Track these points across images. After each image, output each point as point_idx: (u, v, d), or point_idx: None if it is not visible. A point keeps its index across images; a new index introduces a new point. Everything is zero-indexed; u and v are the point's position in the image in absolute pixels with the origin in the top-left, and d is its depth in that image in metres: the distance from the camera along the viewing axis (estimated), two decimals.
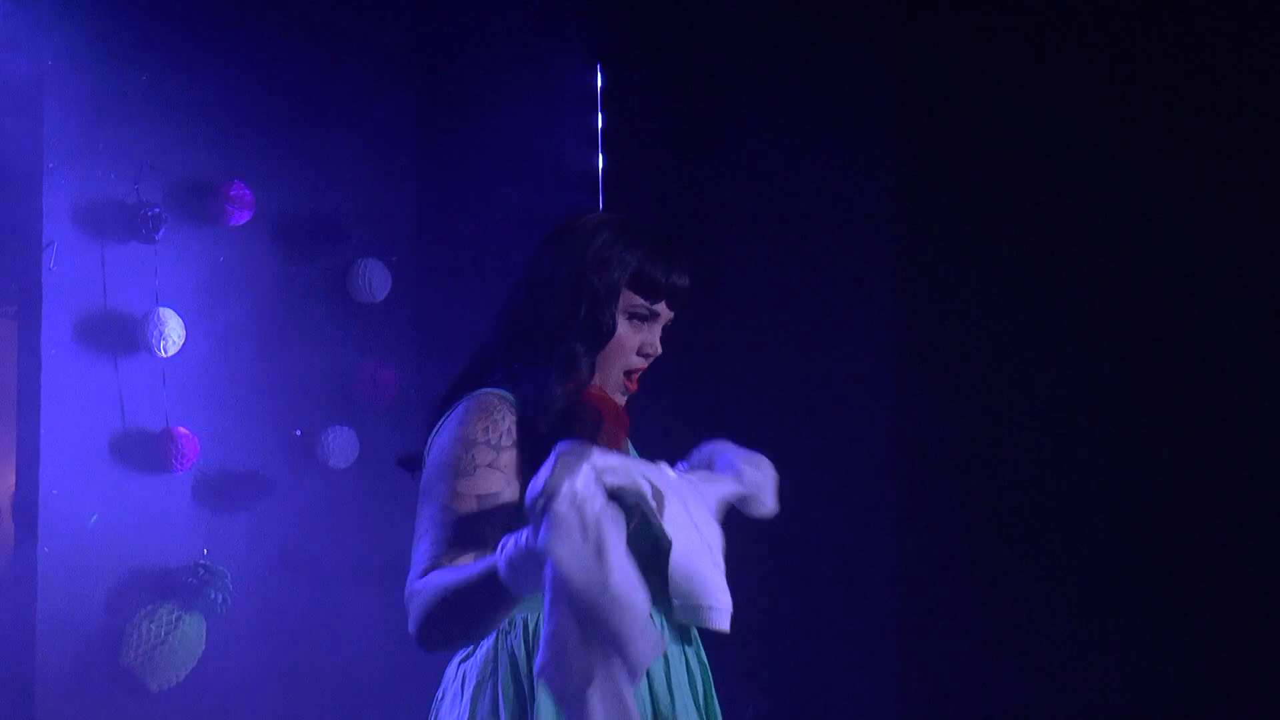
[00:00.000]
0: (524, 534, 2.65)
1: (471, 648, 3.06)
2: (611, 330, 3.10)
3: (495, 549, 2.80)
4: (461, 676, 3.11)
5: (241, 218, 5.55)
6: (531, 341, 3.11)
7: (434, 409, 3.17)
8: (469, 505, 2.95)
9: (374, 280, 5.71)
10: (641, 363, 3.17)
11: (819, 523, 5.71)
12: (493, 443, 2.99)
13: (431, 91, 5.96)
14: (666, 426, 6.00)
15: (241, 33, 5.65)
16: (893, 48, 5.65)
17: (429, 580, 2.85)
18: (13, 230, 5.41)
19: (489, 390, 3.06)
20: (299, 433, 5.70)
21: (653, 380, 5.91)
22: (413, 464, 3.18)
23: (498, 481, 2.96)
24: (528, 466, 3.00)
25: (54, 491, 5.34)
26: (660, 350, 3.17)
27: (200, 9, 5.58)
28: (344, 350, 5.76)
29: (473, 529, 2.94)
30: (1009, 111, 5.43)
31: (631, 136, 6.06)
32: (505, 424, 3.01)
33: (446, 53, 5.95)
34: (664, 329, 3.19)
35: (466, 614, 2.82)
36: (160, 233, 5.44)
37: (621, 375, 3.16)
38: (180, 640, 5.36)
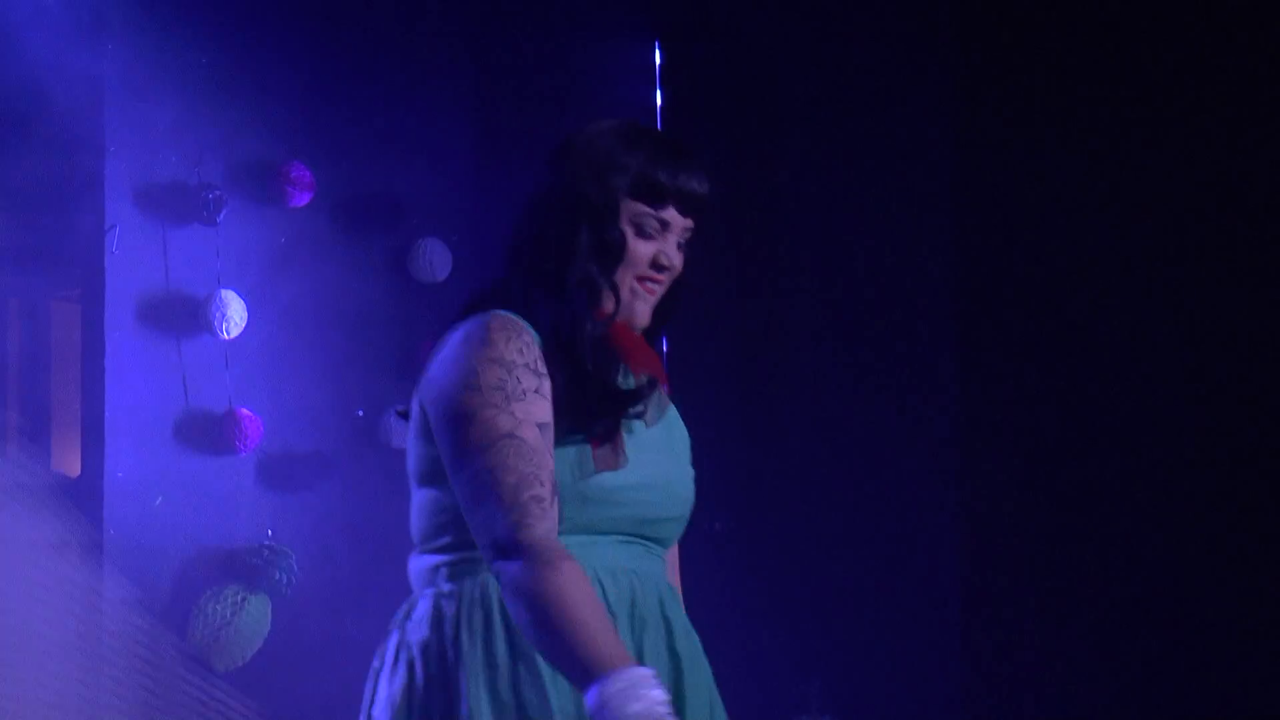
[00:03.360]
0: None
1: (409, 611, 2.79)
2: (621, 245, 2.78)
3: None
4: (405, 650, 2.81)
5: (302, 199, 5.57)
6: (542, 270, 2.79)
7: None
8: (535, 436, 2.64)
9: (435, 260, 5.72)
10: (654, 273, 2.82)
11: (880, 513, 5.74)
12: (532, 366, 2.69)
13: (489, 69, 5.98)
14: (724, 406, 6.04)
15: (300, 14, 5.67)
16: (951, 20, 5.65)
17: (575, 593, 2.56)
18: (75, 214, 5.43)
19: (503, 312, 2.75)
20: (361, 413, 5.73)
21: (710, 358, 5.93)
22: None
23: (548, 411, 2.68)
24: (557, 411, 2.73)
25: (119, 474, 5.37)
26: (679, 265, 2.83)
27: (256, 1, 5.63)
28: (405, 330, 5.76)
29: (550, 469, 2.65)
30: (1069, 81, 5.40)
31: (690, 113, 6.04)
32: (534, 350, 2.71)
33: (504, 28, 5.98)
34: (687, 243, 2.86)
35: (560, 653, 2.57)
36: (221, 215, 5.46)
37: (636, 284, 2.81)
38: (246, 621, 5.38)
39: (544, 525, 2.59)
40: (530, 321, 2.73)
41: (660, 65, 6.09)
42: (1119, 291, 5.32)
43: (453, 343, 2.72)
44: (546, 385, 2.67)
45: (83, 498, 5.35)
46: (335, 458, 5.63)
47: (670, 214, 2.78)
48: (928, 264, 5.68)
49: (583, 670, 2.51)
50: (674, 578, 2.95)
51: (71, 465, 5.66)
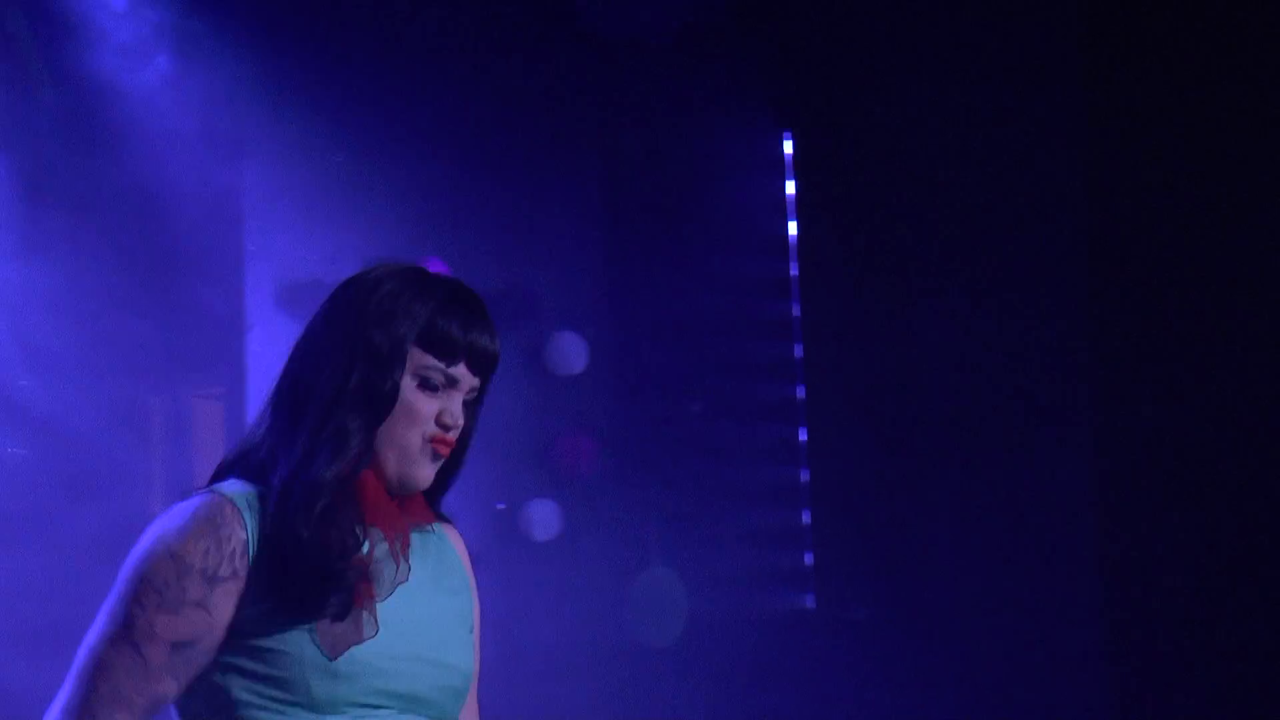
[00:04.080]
0: None
1: None
2: (393, 398, 2.54)
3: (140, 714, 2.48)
4: None
5: None
6: (299, 416, 2.56)
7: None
8: (159, 654, 2.48)
9: (570, 352, 5.73)
10: (442, 432, 2.58)
11: (1017, 521, 5.71)
12: (209, 572, 2.48)
13: (621, 161, 6.01)
14: (867, 496, 6.03)
15: (431, 112, 5.71)
16: (1083, 113, 5.64)
17: None
18: (217, 314, 5.49)
19: (226, 491, 2.53)
20: (501, 506, 5.73)
21: (853, 448, 5.92)
22: None
23: (200, 626, 2.49)
24: (264, 578, 2.51)
25: None
26: (462, 423, 2.59)
27: (391, 93, 5.66)
28: (543, 424, 5.77)
29: (155, 687, 2.49)
30: (1201, 139, 5.38)
31: (822, 202, 6.04)
32: (230, 546, 2.50)
33: (634, 122, 6.01)
34: (474, 404, 2.63)
35: None
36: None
37: (422, 443, 2.58)
38: None
39: None
40: (261, 486, 2.53)
41: (791, 155, 6.10)
42: (1266, 296, 5.30)
43: (163, 514, 2.54)
44: (217, 594, 2.48)
45: None
46: (477, 551, 5.58)
47: (460, 370, 2.57)
48: (1066, 355, 5.67)
49: None
50: None
51: None
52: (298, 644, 2.47)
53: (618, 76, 5.97)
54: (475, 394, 2.58)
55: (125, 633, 2.47)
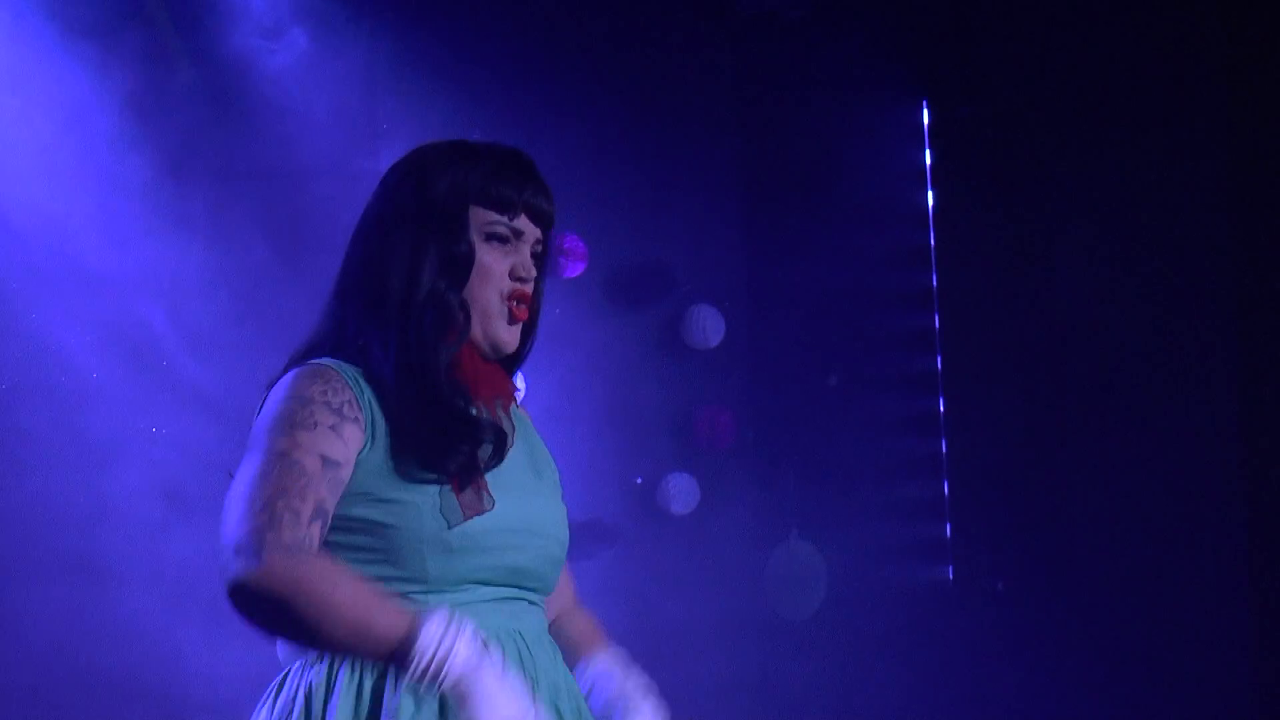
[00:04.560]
0: (446, 674, 2.29)
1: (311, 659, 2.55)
2: (470, 257, 2.57)
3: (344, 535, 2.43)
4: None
5: (576, 270, 5.66)
6: (381, 298, 2.57)
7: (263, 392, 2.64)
8: (313, 462, 2.44)
9: (708, 326, 5.75)
10: (519, 286, 2.62)
11: (1160, 493, 5.64)
12: (333, 406, 2.48)
13: (757, 134, 6.01)
14: (1005, 467, 6.00)
15: (569, 92, 5.75)
16: (1223, 76, 5.57)
17: (319, 575, 2.36)
18: None
19: (325, 361, 2.54)
20: (640, 480, 5.75)
21: (991, 419, 5.90)
22: None
23: (340, 449, 2.47)
24: (386, 452, 2.51)
25: None
26: (534, 273, 2.64)
27: (527, 73, 5.70)
28: (680, 397, 5.80)
29: (319, 494, 2.44)
30: None
31: (960, 171, 6.02)
32: (344, 394, 2.50)
33: (770, 92, 6.01)
34: (539, 263, 2.67)
35: (333, 642, 2.38)
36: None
37: (499, 302, 2.60)
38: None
39: (292, 533, 2.38)
40: (364, 367, 2.54)
41: (929, 124, 6.08)
42: None
43: (265, 399, 2.55)
44: (348, 429, 2.48)
45: None
46: (616, 525, 5.65)
47: (522, 221, 2.62)
48: (1208, 320, 5.60)
49: (373, 639, 2.34)
50: (572, 609, 2.84)
51: None
52: (416, 518, 2.47)
53: (754, 50, 5.96)
54: (541, 247, 2.64)
55: (270, 454, 2.43)
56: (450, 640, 2.32)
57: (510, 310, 2.60)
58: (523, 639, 2.55)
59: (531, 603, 2.60)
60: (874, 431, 5.93)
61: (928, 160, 6.07)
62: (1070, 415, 5.79)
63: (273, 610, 2.35)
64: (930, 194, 6.07)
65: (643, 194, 5.83)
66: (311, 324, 2.65)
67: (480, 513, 2.50)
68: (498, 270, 2.59)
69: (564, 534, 2.69)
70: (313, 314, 2.65)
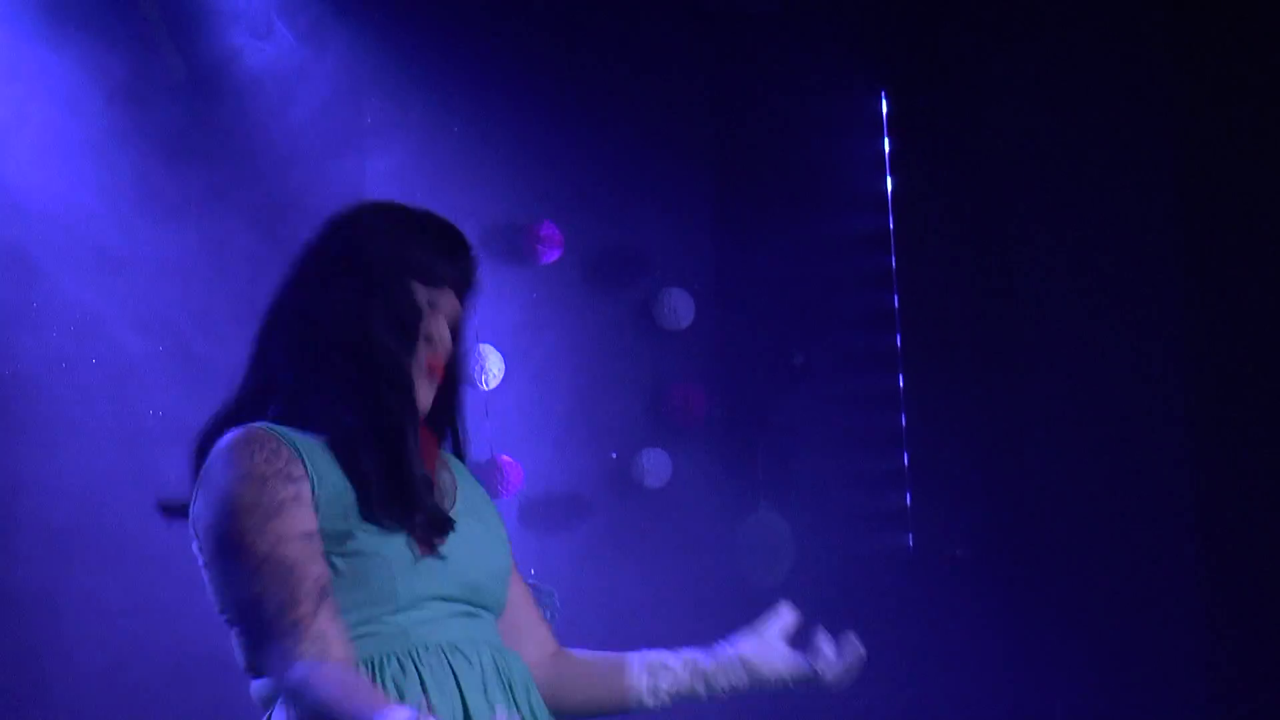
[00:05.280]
0: None
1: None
2: (417, 321, 2.63)
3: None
4: None
5: (552, 256, 5.67)
6: (327, 351, 2.60)
7: (192, 457, 2.64)
8: (295, 549, 2.49)
9: (679, 308, 5.78)
10: (432, 352, 2.66)
11: (1113, 463, 5.68)
12: (284, 473, 2.51)
13: (726, 126, 6.01)
14: (963, 439, 6.02)
15: (543, 81, 5.77)
16: (1174, 65, 5.62)
17: (341, 678, 2.43)
18: None
19: (257, 425, 2.56)
20: (615, 455, 5.80)
21: (948, 394, 5.95)
22: (174, 510, 2.68)
23: (308, 519, 2.52)
24: (353, 498, 2.55)
25: None
26: (450, 345, 2.68)
27: (505, 62, 5.71)
28: (653, 376, 5.83)
29: (313, 575, 2.49)
30: None
31: (918, 159, 6.05)
32: (284, 455, 2.53)
33: (739, 87, 6.01)
34: (457, 324, 2.71)
35: None
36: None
37: (420, 364, 2.65)
38: None
39: (306, 647, 2.47)
40: (299, 419, 2.57)
41: (888, 114, 6.10)
42: None
43: (205, 474, 2.56)
44: (303, 489, 2.52)
45: None
46: (592, 498, 5.71)
47: (445, 295, 2.68)
48: (1157, 291, 5.68)
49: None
50: (561, 649, 2.84)
51: None
52: (386, 555, 2.53)
53: (723, 45, 6.00)
54: (457, 317, 2.69)
55: (261, 562, 2.47)
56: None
57: (428, 370, 2.64)
58: (493, 649, 2.64)
59: (484, 618, 2.68)
60: (837, 406, 5.94)
61: (887, 148, 6.09)
62: (1025, 389, 5.84)
63: (300, 710, 2.45)
64: (890, 180, 6.09)
65: (617, 183, 5.83)
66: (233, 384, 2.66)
67: (441, 543, 2.59)
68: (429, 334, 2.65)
69: (507, 559, 2.75)
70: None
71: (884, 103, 6.12)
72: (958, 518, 5.90)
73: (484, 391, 5.56)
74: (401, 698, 2.53)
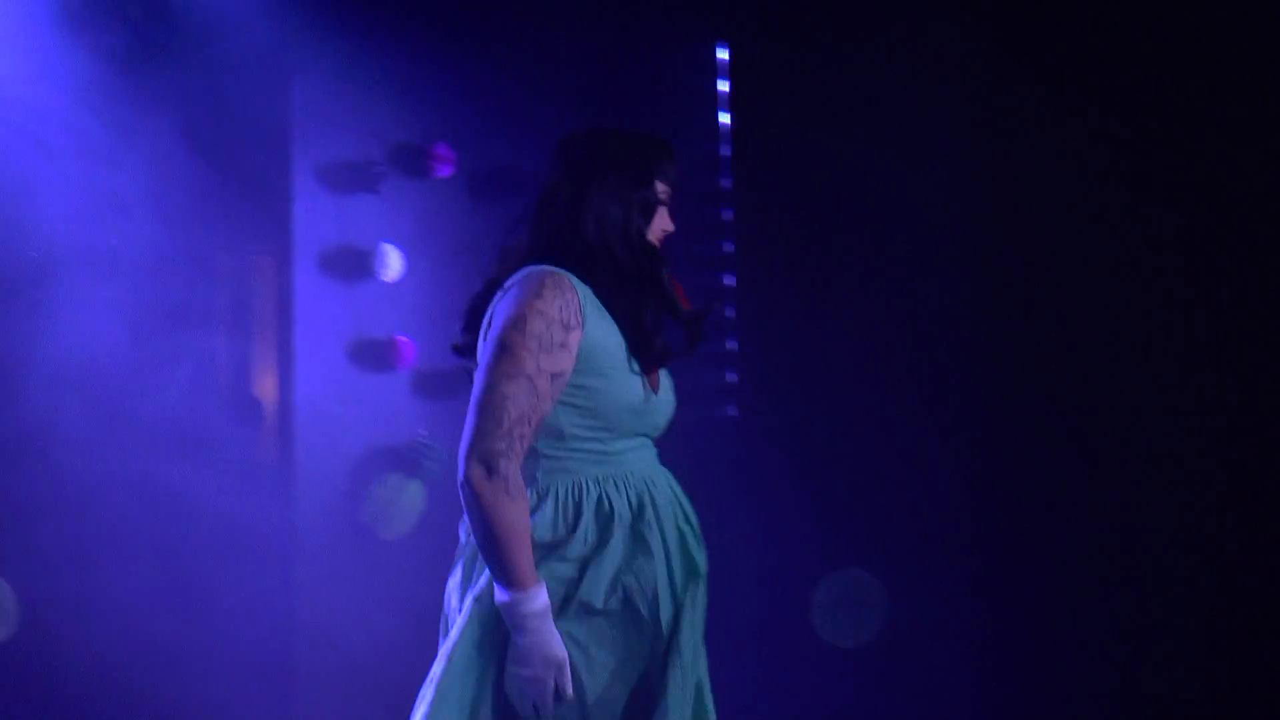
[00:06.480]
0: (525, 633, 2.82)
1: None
2: (654, 207, 3.12)
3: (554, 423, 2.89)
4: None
5: (445, 171, 5.93)
6: (603, 224, 3.07)
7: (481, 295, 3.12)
8: (544, 383, 2.93)
9: None
10: (663, 232, 3.22)
11: (903, 353, 5.99)
12: (567, 322, 2.98)
13: (588, 65, 6.26)
14: (783, 320, 6.25)
15: (445, 26, 5.99)
16: (965, 33, 5.88)
17: (514, 517, 2.83)
18: (266, 185, 5.73)
19: (558, 269, 3.07)
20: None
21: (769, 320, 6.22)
22: (468, 351, 3.18)
23: (567, 361, 2.98)
24: (609, 337, 2.99)
25: (306, 392, 5.74)
26: (672, 227, 3.20)
27: (418, 6, 5.92)
28: None
29: (544, 406, 2.93)
30: (1080, 86, 5.56)
31: (752, 109, 6.32)
32: (574, 305, 3.01)
33: (601, 32, 6.27)
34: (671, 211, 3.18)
35: (495, 558, 2.90)
36: (383, 185, 5.82)
37: (656, 242, 3.20)
38: (406, 501, 5.78)
39: (519, 460, 2.92)
40: (588, 268, 3.06)
41: (727, 62, 6.38)
42: (1130, 295, 5.49)
43: (511, 290, 3.06)
44: (573, 336, 3.00)
45: (281, 410, 5.69)
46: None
47: (667, 191, 3.24)
48: (960, 258, 5.94)
49: (507, 577, 2.91)
50: None
51: (270, 387, 5.83)
52: (624, 390, 3.05)
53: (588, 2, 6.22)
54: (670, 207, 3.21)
55: (520, 371, 2.93)
56: (540, 609, 2.86)
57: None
58: (670, 478, 3.18)
59: (653, 448, 3.22)
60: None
61: (722, 89, 6.39)
62: (842, 284, 6.19)
63: (477, 513, 2.91)
64: (729, 116, 6.40)
65: (501, 111, 6.05)
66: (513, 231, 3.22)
67: (656, 390, 3.15)
68: (662, 226, 3.23)
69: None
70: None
71: (725, 51, 6.40)
72: (775, 392, 6.24)
73: (385, 283, 5.86)
74: (611, 514, 2.99)
